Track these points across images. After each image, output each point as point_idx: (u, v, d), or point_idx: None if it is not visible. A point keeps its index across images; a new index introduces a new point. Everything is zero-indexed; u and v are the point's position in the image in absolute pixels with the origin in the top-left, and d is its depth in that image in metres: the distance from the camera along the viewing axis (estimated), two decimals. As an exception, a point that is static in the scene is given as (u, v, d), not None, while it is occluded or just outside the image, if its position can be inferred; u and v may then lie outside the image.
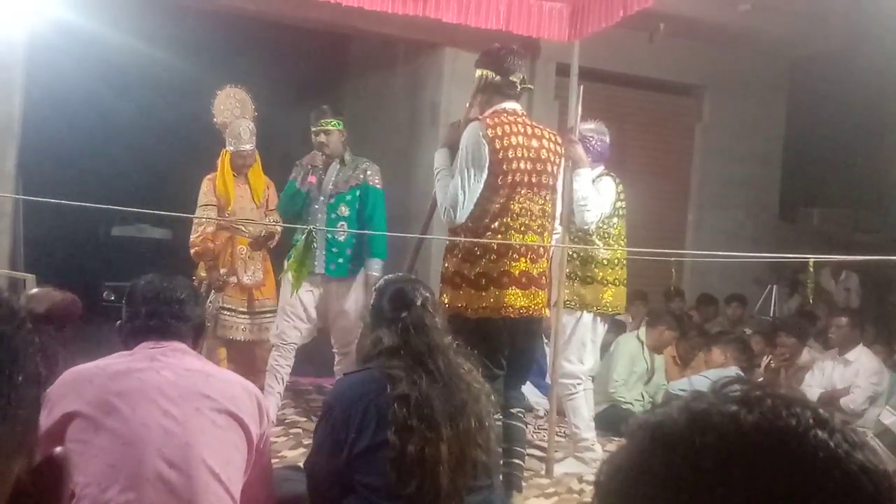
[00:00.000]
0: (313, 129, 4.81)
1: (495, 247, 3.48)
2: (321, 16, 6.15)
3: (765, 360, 5.98)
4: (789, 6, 6.68)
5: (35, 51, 6.00)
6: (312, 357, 7.60)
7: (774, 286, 7.49)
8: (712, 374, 5.12)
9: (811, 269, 3.63)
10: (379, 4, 4.75)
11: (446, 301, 3.51)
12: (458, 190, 3.49)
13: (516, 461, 3.62)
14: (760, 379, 5.47)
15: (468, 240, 3.59)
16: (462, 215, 3.50)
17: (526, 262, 3.50)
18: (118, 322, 2.31)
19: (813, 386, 5.57)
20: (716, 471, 0.61)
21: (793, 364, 5.93)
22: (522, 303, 3.49)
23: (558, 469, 4.48)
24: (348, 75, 8.94)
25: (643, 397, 5.71)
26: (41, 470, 0.60)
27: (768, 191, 8.33)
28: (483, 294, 3.46)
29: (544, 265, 3.60)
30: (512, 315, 3.48)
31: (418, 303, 2.47)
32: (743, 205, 8.13)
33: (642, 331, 5.79)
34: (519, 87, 3.63)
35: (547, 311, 3.71)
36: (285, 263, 4.87)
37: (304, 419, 5.22)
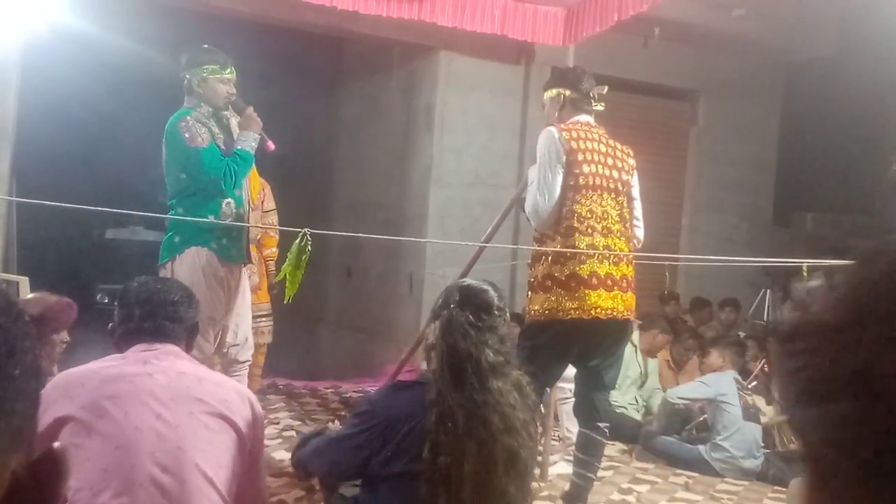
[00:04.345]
0: (220, 74, 3.79)
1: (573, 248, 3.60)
2: (316, 19, 6.15)
3: (758, 365, 5.98)
4: (783, 12, 6.71)
5: (30, 53, 5.99)
6: (307, 360, 7.56)
7: (768, 290, 7.49)
8: (710, 378, 5.11)
9: (805, 274, 3.64)
10: (374, 8, 4.77)
11: (538, 307, 3.62)
12: (536, 192, 3.61)
13: (591, 476, 3.78)
14: (754, 384, 5.47)
15: (476, 244, 3.61)
16: (544, 216, 3.59)
17: (609, 264, 3.60)
18: (110, 325, 2.31)
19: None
20: None
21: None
22: (609, 304, 3.58)
23: (551, 471, 4.50)
24: (343, 79, 8.95)
25: (637, 401, 5.71)
26: (39, 465, 0.60)
27: (762, 195, 8.35)
28: (575, 295, 3.55)
29: (625, 269, 3.67)
30: (601, 316, 3.55)
31: (454, 303, 2.27)
32: (737, 209, 8.15)
33: (635, 335, 5.79)
34: (594, 103, 3.77)
35: (632, 314, 3.77)
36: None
37: (299, 422, 5.22)
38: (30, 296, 3.74)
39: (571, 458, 4.48)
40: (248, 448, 2.18)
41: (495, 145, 7.10)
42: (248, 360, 4.12)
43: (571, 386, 4.49)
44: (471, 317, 2.23)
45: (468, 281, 2.41)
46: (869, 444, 0.54)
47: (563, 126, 3.67)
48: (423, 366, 2.37)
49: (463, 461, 2.12)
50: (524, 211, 3.80)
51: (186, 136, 3.68)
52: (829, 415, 0.56)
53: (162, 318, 2.22)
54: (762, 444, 4.94)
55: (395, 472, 2.20)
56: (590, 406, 3.76)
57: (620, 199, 3.72)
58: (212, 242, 3.77)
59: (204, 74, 3.76)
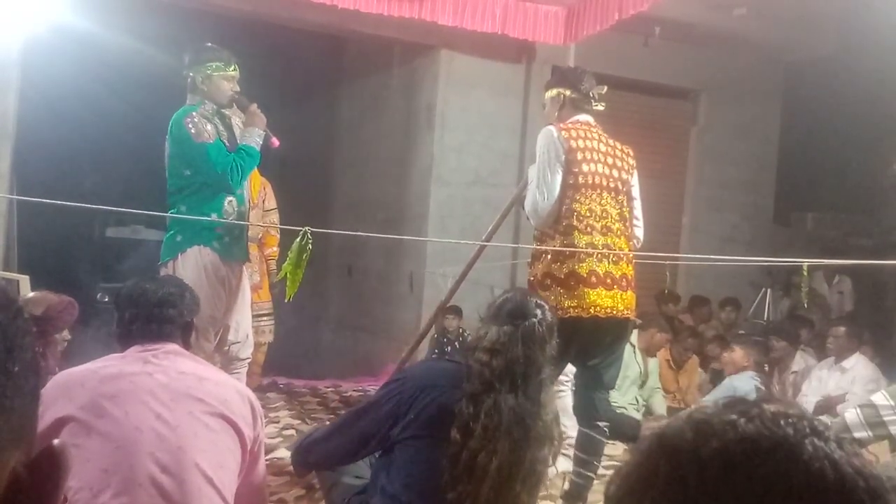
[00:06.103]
0: (224, 72, 3.79)
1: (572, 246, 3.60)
2: (317, 18, 6.15)
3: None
4: (784, 11, 6.70)
5: (30, 51, 5.99)
6: (307, 359, 7.55)
7: (768, 290, 7.49)
8: (726, 388, 5.09)
9: (805, 273, 3.65)
10: (375, 7, 4.78)
11: None
12: (535, 191, 3.61)
13: (590, 475, 3.75)
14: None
15: (478, 243, 3.62)
16: (544, 215, 3.59)
17: (608, 262, 3.60)
18: (114, 325, 2.31)
19: (809, 395, 5.50)
20: (717, 476, 0.65)
21: (785, 367, 5.93)
22: (608, 303, 3.57)
23: (550, 470, 4.49)
24: (344, 77, 8.94)
25: (637, 401, 5.70)
26: (38, 463, 0.60)
27: (763, 194, 8.34)
28: (574, 293, 3.55)
29: (625, 267, 3.66)
30: (600, 315, 3.55)
31: (536, 318, 2.41)
32: (738, 208, 8.14)
33: (634, 334, 5.78)
34: (594, 103, 3.77)
35: (632, 313, 3.75)
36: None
37: (299, 421, 5.22)
38: (31, 295, 3.75)
39: (567, 453, 4.50)
40: (249, 448, 2.18)
41: (496, 144, 7.10)
42: (249, 358, 4.13)
43: (569, 381, 4.50)
44: (546, 334, 2.40)
45: (541, 299, 2.53)
46: None
47: (562, 125, 3.68)
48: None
49: (493, 456, 2.21)
50: (524, 209, 3.81)
51: (192, 131, 3.67)
52: None
53: (149, 320, 2.21)
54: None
55: (409, 435, 2.29)
56: (589, 405, 3.76)
57: (620, 198, 3.72)
58: (214, 241, 3.76)
59: (208, 72, 3.75)
